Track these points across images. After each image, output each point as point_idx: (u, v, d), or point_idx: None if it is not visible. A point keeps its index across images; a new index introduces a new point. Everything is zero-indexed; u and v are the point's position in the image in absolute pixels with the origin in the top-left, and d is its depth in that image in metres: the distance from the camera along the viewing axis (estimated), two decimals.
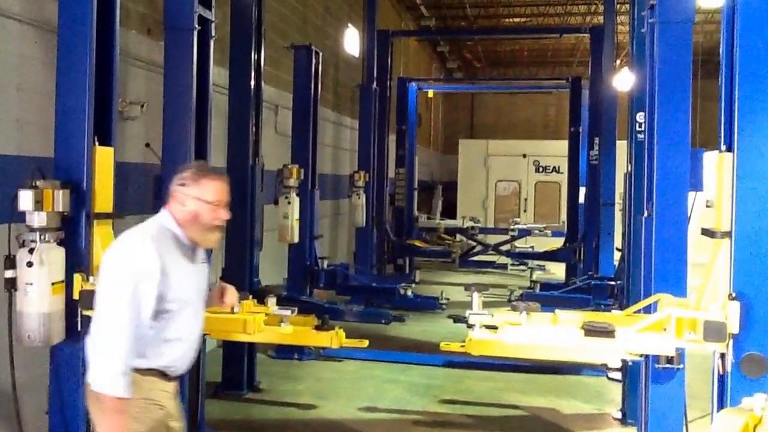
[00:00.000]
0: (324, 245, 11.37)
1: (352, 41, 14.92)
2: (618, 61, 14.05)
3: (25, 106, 5.41)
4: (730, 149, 3.83)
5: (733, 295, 3.76)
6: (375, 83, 13.19)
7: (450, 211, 20.75)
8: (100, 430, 3.03)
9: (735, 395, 3.59)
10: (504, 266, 15.75)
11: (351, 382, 7.68)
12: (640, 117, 6.13)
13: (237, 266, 7.29)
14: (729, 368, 3.74)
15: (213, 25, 5.94)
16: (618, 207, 11.10)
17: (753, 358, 3.67)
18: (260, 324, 4.75)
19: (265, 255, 7.93)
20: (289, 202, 8.50)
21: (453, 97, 29.11)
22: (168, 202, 3.30)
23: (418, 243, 15.48)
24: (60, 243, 4.34)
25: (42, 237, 4.22)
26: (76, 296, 4.39)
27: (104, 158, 4.61)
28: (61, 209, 4.28)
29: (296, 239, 8.67)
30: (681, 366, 4.54)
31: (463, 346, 4.62)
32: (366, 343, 5.34)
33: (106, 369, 2.95)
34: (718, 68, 4.01)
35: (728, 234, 3.82)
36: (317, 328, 5.10)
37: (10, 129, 5.31)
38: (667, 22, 4.79)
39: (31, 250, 4.16)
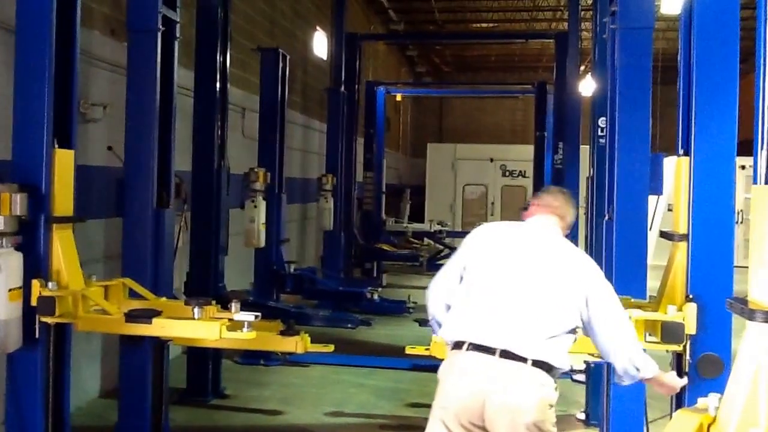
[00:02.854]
0: (291, 249, 11.32)
1: (320, 44, 14.90)
2: (582, 67, 14.20)
3: None
4: (687, 153, 3.91)
5: (691, 296, 3.82)
6: (343, 87, 13.18)
7: (418, 215, 20.79)
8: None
9: (692, 395, 3.64)
10: None
11: (317, 387, 7.65)
12: (602, 122, 6.21)
13: (202, 271, 7.23)
14: (686, 369, 3.81)
15: (178, 26, 5.89)
16: (582, 210, 11.19)
17: (709, 359, 3.74)
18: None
19: (231, 260, 7.87)
20: (255, 206, 8.45)
21: (421, 101, 29.21)
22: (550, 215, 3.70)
23: (385, 247, 15.46)
24: (18, 248, 4.25)
25: None
26: (34, 303, 4.31)
27: (64, 161, 4.54)
28: (19, 213, 4.19)
29: (263, 243, 8.62)
30: None
31: (428, 349, 4.63)
32: (332, 347, 5.32)
33: (645, 356, 3.41)
34: None
35: (686, 237, 3.89)
36: (282, 333, 5.06)
37: None
38: (627, 28, 4.86)
39: None
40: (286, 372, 8.12)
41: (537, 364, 3.24)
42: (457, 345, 3.35)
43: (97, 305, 4.60)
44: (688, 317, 3.84)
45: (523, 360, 3.23)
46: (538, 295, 3.37)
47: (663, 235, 4.19)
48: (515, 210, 20.73)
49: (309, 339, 5.05)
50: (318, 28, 14.85)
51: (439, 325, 3.64)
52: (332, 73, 13.47)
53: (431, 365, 7.63)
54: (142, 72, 5.49)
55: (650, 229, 4.93)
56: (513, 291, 3.39)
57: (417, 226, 17.46)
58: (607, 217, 5.05)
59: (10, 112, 4.41)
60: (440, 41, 23.29)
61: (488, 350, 3.25)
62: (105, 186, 6.31)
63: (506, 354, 3.23)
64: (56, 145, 4.46)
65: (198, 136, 7.30)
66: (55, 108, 4.45)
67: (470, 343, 3.30)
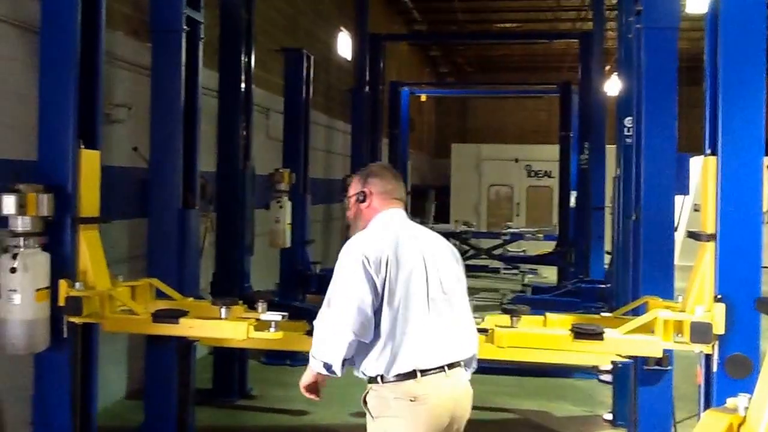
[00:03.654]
0: (316, 250, 11.34)
1: (344, 45, 14.92)
2: (607, 67, 14.10)
3: (5, 109, 5.33)
4: (714, 153, 3.87)
5: (719, 296, 3.78)
6: (367, 87, 13.18)
7: (443, 216, 20.75)
8: None
9: (721, 396, 3.61)
10: (496, 270, 15.75)
11: (343, 388, 7.56)
12: (627, 122, 6.16)
13: (227, 272, 7.26)
14: (715, 369, 3.76)
15: (202, 26, 5.91)
16: (608, 211, 11.13)
17: (738, 359, 3.69)
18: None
19: (257, 260, 7.90)
20: (280, 207, 8.46)
21: (444, 102, 29.15)
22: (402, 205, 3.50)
23: None
24: (44, 248, 4.29)
25: (26, 242, 4.17)
26: (61, 303, 4.36)
27: (90, 161, 4.57)
28: (45, 213, 4.22)
29: (288, 244, 8.63)
30: (669, 368, 4.55)
31: None
32: None
33: None
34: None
35: (713, 237, 3.85)
36: (308, 333, 5.07)
37: None
38: (652, 28, 4.84)
39: (14, 256, 4.11)
40: None
41: (466, 363, 3.31)
42: (408, 375, 3.14)
43: (124, 305, 4.64)
44: (716, 317, 3.80)
45: (460, 365, 3.26)
46: (453, 298, 3.30)
47: (690, 235, 4.15)
48: (541, 210, 20.71)
49: None
50: (341, 28, 14.87)
51: (343, 364, 3.24)
52: (356, 73, 13.48)
53: None
54: (167, 73, 5.51)
55: (676, 229, 4.88)
56: (437, 304, 3.23)
57: (442, 226, 17.41)
58: (633, 217, 5.01)
59: (35, 113, 4.44)
60: (463, 41, 23.21)
61: (439, 369, 3.17)
62: (129, 187, 6.35)
63: (451, 365, 3.20)
64: (82, 146, 4.50)
65: (223, 137, 7.33)
66: (80, 109, 4.48)
67: (421, 370, 3.14)
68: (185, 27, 5.52)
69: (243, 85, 7.35)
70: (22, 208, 4.08)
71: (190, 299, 5.18)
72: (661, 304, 4.28)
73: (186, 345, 5.35)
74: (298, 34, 12.32)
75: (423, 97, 22.85)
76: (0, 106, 5.30)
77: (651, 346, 4.14)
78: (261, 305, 5.00)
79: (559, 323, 4.57)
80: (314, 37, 13.36)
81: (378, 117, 13.85)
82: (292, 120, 9.25)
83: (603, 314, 5.06)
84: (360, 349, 3.19)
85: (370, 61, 13.45)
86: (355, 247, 3.20)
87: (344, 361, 3.21)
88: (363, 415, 6.80)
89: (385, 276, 3.11)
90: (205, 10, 6.00)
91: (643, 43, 4.87)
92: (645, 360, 4.53)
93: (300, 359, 8.25)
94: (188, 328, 4.72)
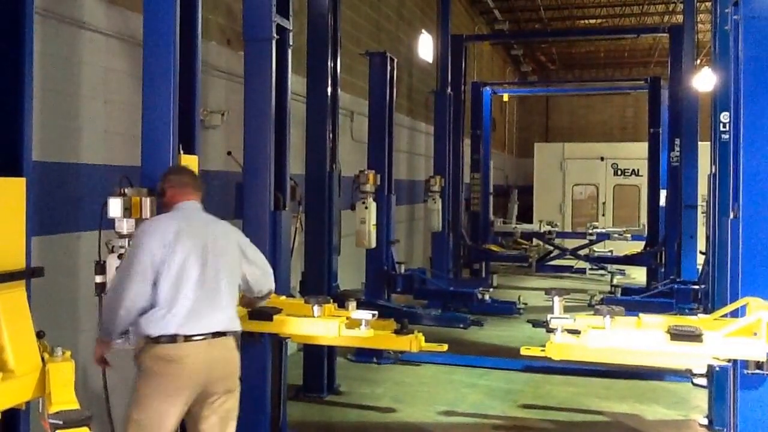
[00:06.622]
0: (400, 250, 11.41)
1: (425, 47, 14.95)
2: (698, 61, 13.70)
3: (112, 118, 5.60)
4: None
5: None
6: (449, 88, 13.19)
7: (526, 216, 20.55)
8: None
9: None
10: (582, 271, 15.52)
11: (430, 386, 7.69)
12: (724, 117, 5.97)
13: (316, 271, 7.41)
14: None
15: (290, 34, 6.03)
16: (701, 209, 10.82)
17: None
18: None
19: (343, 260, 8.01)
20: (366, 208, 8.56)
21: (527, 101, 28.84)
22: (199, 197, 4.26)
23: (494, 247, 15.39)
24: None
25: (130, 243, 4.34)
26: None
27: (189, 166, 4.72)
28: (148, 216, 4.38)
29: (373, 244, 8.72)
30: None
31: (543, 350, 4.58)
32: (445, 347, 5.35)
33: None
34: None
35: None
36: (397, 332, 5.13)
37: (99, 140, 5.51)
38: (752, 18, 4.65)
39: (120, 256, 4.27)
40: (398, 370, 8.20)
41: (233, 334, 4.01)
42: (172, 338, 3.76)
43: None
44: None
45: (226, 335, 3.93)
46: (227, 276, 3.99)
47: None
48: (628, 209, 20.26)
49: (423, 338, 5.09)
50: (423, 30, 14.90)
51: (123, 334, 3.91)
52: (438, 75, 13.49)
53: (545, 366, 7.64)
54: (258, 79, 5.65)
55: None
56: (210, 284, 3.89)
57: (526, 226, 17.27)
58: (732, 216, 4.85)
59: (138, 121, 4.62)
60: (546, 39, 22.94)
61: (203, 337, 3.81)
62: (224, 189, 6.53)
63: (216, 335, 3.87)
64: (181, 151, 4.65)
65: (310, 141, 7.47)
66: (179, 116, 4.63)
67: (185, 336, 3.77)
68: (275, 35, 5.64)
69: (329, 90, 7.47)
70: (127, 211, 4.25)
71: (283, 297, 5.30)
72: (764, 306, 4.15)
73: (278, 342, 5.47)
74: (380, 38, 12.41)
75: (505, 97, 22.66)
76: (110, 116, 5.56)
77: (753, 349, 4.02)
78: (350, 304, 5.08)
79: (654, 325, 4.48)
80: (397, 39, 13.43)
81: (460, 118, 13.83)
82: (376, 122, 9.34)
83: (699, 316, 4.94)
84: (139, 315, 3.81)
85: (452, 62, 13.46)
86: (147, 225, 3.97)
87: (124, 331, 3.88)
88: (450, 413, 6.92)
89: (168, 251, 3.79)
90: (293, 18, 6.12)
91: (741, 35, 4.70)
92: (745, 363, 4.39)
93: (386, 357, 8.35)
94: (282, 325, 4.83)
